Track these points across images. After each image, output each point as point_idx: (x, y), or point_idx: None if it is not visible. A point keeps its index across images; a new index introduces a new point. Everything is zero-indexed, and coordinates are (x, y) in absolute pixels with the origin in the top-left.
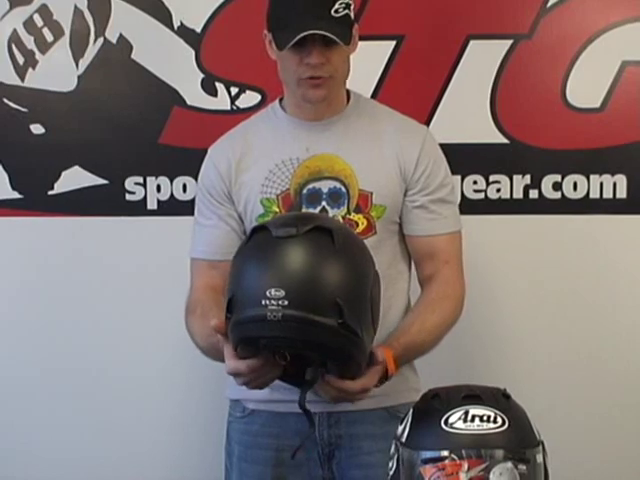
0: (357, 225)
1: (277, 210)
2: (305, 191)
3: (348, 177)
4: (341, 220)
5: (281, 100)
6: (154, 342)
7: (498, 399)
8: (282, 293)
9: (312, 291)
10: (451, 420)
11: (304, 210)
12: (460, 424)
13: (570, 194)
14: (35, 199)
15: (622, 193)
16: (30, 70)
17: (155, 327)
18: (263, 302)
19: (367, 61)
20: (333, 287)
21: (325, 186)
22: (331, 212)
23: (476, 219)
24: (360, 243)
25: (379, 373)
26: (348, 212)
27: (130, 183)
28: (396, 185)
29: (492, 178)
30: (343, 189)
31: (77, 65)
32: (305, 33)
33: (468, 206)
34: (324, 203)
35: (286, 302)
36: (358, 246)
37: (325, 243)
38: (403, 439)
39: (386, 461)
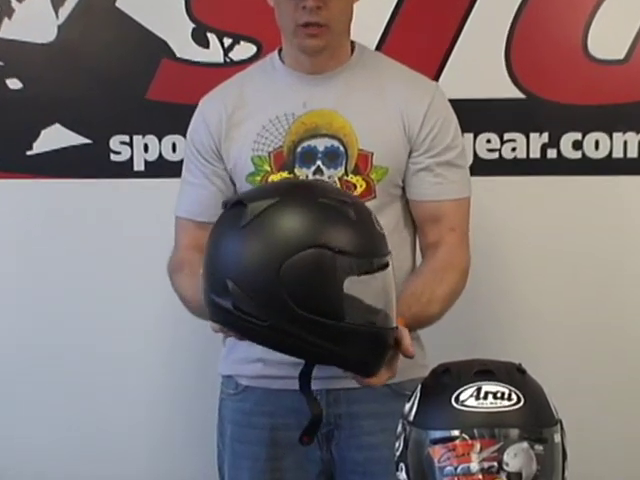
0: (355, 188)
1: (268, 169)
2: (299, 149)
3: (347, 135)
4: (337, 182)
5: (280, 51)
6: (141, 312)
7: (513, 375)
8: (201, 272)
9: (211, 271)
10: (462, 397)
11: (297, 170)
12: (472, 401)
13: (591, 153)
14: (12, 160)
15: None
16: (6, 20)
17: (143, 296)
18: None
19: (371, 10)
20: (225, 267)
21: (321, 144)
22: (327, 173)
23: (489, 181)
24: (292, 217)
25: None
26: (345, 173)
27: (115, 142)
28: (400, 145)
29: (507, 136)
30: (341, 148)
31: (57, 14)
32: None
33: (481, 167)
34: (319, 163)
35: (203, 282)
36: (284, 221)
37: (235, 220)
38: (411, 418)
39: (389, 441)
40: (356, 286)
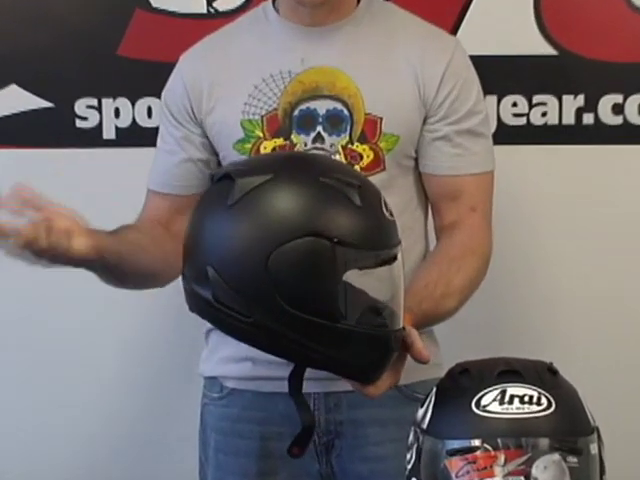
0: (361, 158)
1: (260, 135)
2: (297, 112)
3: (352, 97)
4: (340, 151)
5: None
6: (113, 301)
7: (543, 376)
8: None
9: (191, 255)
10: (484, 402)
11: (294, 137)
12: (495, 406)
13: (634, 119)
14: None
15: None
16: None
17: None
18: None
19: None
20: (206, 251)
21: (322, 107)
22: (329, 140)
23: (515, 150)
24: (287, 198)
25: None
26: (350, 141)
27: (81, 106)
28: (413, 110)
29: (536, 99)
30: (345, 112)
31: None
32: None
33: (506, 134)
34: (320, 128)
35: (182, 267)
36: (277, 202)
37: (221, 197)
38: (424, 425)
39: (399, 453)
40: (357, 281)
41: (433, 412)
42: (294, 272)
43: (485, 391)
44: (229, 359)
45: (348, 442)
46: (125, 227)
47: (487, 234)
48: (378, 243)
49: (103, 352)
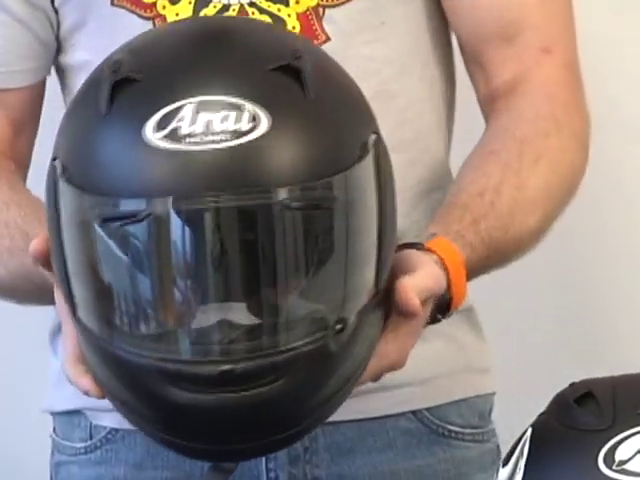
0: None
1: None
2: None
3: None
4: None
5: None
6: None
7: None
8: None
9: None
10: (622, 455)
11: None
12: None
13: None
14: None
15: None
16: None
17: None
18: None
19: None
20: None
21: None
22: None
23: None
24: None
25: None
26: None
27: None
28: None
29: None
30: None
31: None
32: None
33: None
34: None
35: None
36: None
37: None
38: None
39: None
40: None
41: (526, 475)
42: None
43: (623, 435)
44: None
45: None
46: None
47: (575, 93)
48: (103, 183)
49: None
